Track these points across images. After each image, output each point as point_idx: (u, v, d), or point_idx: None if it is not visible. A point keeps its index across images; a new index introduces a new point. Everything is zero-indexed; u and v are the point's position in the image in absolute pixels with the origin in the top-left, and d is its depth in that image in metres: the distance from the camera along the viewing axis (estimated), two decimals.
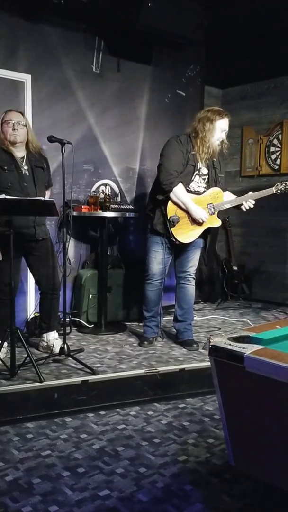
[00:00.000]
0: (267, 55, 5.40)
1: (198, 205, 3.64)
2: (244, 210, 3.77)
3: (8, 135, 3.33)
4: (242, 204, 3.75)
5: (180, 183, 3.57)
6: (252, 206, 3.74)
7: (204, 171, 3.71)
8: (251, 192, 3.76)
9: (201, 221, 3.64)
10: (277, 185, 3.70)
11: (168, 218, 3.59)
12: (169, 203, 3.60)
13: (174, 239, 3.64)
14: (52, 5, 4.03)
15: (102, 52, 4.58)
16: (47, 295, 3.61)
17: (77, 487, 2.03)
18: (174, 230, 3.61)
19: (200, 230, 3.70)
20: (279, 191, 3.69)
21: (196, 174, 3.67)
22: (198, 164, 3.66)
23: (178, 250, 3.82)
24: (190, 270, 3.86)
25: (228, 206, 3.77)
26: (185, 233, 3.65)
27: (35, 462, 2.23)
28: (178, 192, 3.57)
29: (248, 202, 3.72)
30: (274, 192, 3.70)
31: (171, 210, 3.60)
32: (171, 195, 3.57)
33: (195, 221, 3.65)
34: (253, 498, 1.97)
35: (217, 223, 3.79)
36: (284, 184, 3.68)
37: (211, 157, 3.68)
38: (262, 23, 4.91)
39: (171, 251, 3.80)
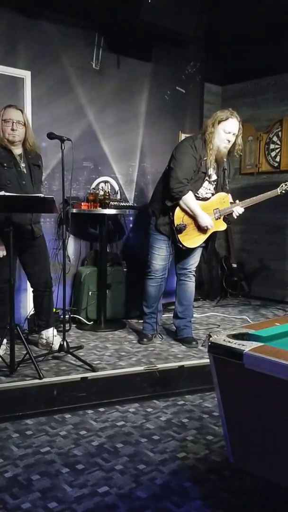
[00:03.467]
0: (267, 52, 5.39)
1: (205, 211, 3.62)
2: (235, 217, 3.74)
3: (6, 134, 3.31)
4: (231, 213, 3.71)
5: (190, 191, 3.55)
6: (240, 212, 3.70)
7: (214, 177, 3.69)
8: (254, 197, 3.74)
9: (206, 229, 3.64)
10: (282, 186, 3.70)
11: (175, 226, 3.58)
12: (177, 210, 3.58)
13: (180, 245, 3.64)
14: (52, 1, 4.02)
15: (102, 49, 4.57)
16: (41, 292, 3.60)
17: (76, 483, 2.04)
18: (180, 237, 3.61)
19: (206, 235, 3.71)
20: (283, 191, 3.69)
21: (206, 180, 3.66)
22: (209, 170, 3.63)
23: (180, 248, 3.81)
24: (191, 267, 3.86)
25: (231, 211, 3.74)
26: (191, 239, 3.66)
27: (35, 459, 2.24)
28: (187, 199, 3.55)
29: (238, 208, 3.68)
30: (279, 193, 3.70)
31: (178, 217, 3.59)
32: (180, 202, 3.56)
33: (200, 228, 3.65)
34: (251, 495, 1.97)
35: (223, 227, 3.80)
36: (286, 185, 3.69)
37: (219, 160, 3.62)
38: (262, 20, 4.90)
39: (173, 248, 3.79)
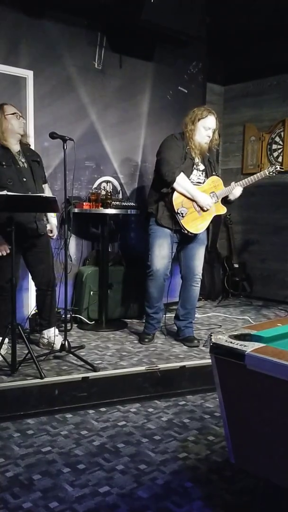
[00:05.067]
0: (270, 52, 5.39)
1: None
2: (232, 199, 3.80)
3: (16, 127, 3.36)
4: (228, 196, 3.77)
5: (182, 173, 3.58)
6: (240, 193, 3.76)
7: (201, 167, 3.74)
8: (245, 179, 3.79)
9: (208, 207, 3.66)
10: (268, 168, 3.77)
11: (176, 211, 3.59)
12: (174, 195, 3.60)
13: (186, 231, 3.65)
14: (54, 0, 4.02)
15: (104, 49, 4.57)
16: (44, 291, 3.60)
17: (77, 483, 2.04)
18: (184, 223, 3.62)
19: (209, 218, 3.73)
20: (271, 173, 3.75)
21: (195, 168, 3.69)
22: (195, 159, 3.68)
23: (183, 247, 3.82)
24: (197, 270, 3.86)
25: (227, 193, 3.78)
26: (196, 224, 3.67)
27: (36, 458, 2.24)
28: (181, 181, 3.58)
29: (237, 188, 3.74)
30: (268, 174, 3.75)
31: (177, 203, 3.60)
32: (175, 185, 3.57)
33: (202, 210, 3.66)
34: (252, 495, 1.97)
35: (222, 210, 3.82)
36: (274, 167, 3.77)
37: (202, 154, 3.70)
38: (264, 20, 4.90)
39: (175, 247, 3.79)
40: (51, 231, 3.65)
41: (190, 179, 3.66)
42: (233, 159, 5.93)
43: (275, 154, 5.55)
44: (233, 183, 3.77)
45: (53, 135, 3.30)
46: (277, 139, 5.53)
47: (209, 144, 3.69)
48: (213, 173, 3.81)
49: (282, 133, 5.48)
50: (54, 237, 3.69)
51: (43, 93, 4.17)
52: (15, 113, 3.34)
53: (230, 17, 4.88)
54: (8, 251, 3.24)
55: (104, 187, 4.60)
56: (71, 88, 4.38)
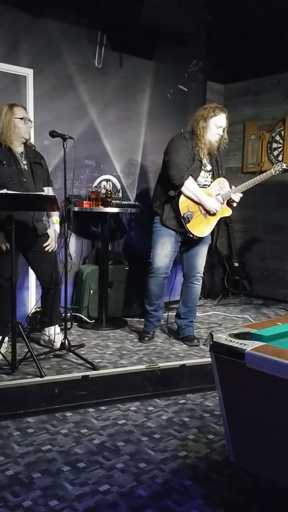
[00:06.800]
0: (270, 50, 5.38)
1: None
2: (234, 205, 3.79)
3: (23, 132, 3.37)
4: (231, 199, 3.76)
5: (190, 176, 3.58)
6: (238, 199, 3.75)
7: (209, 167, 3.73)
8: (249, 180, 3.78)
9: (215, 211, 3.67)
10: (274, 167, 3.76)
11: (182, 215, 3.59)
12: (181, 198, 3.60)
13: (192, 235, 3.65)
14: None
15: (105, 47, 4.56)
16: (49, 290, 3.60)
17: (77, 482, 2.04)
18: (189, 226, 3.62)
19: (214, 221, 3.74)
20: (277, 172, 3.75)
21: (202, 169, 3.68)
22: (203, 159, 3.67)
23: (186, 246, 3.82)
24: (199, 268, 3.87)
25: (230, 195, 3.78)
26: (201, 227, 3.68)
27: (36, 457, 2.24)
28: (190, 185, 3.58)
29: (236, 194, 3.74)
30: (274, 174, 3.75)
31: (183, 206, 3.60)
32: (183, 189, 3.57)
33: (208, 213, 3.67)
34: (252, 494, 1.97)
35: (228, 212, 3.82)
36: (280, 165, 3.76)
37: (211, 153, 3.69)
38: (265, 18, 4.89)
39: (178, 246, 3.79)
40: (48, 238, 3.51)
41: (197, 181, 3.65)
42: (233, 158, 5.92)
43: (275, 152, 5.55)
44: (233, 187, 3.76)
45: (53, 134, 3.30)
46: (278, 137, 5.53)
47: (218, 142, 3.68)
48: (220, 171, 3.81)
49: (282, 132, 5.48)
50: (50, 248, 3.52)
51: (43, 92, 4.17)
52: (21, 118, 3.33)
53: (230, 16, 4.87)
54: (8, 247, 3.24)
55: (104, 185, 4.60)
56: (71, 86, 4.37)
